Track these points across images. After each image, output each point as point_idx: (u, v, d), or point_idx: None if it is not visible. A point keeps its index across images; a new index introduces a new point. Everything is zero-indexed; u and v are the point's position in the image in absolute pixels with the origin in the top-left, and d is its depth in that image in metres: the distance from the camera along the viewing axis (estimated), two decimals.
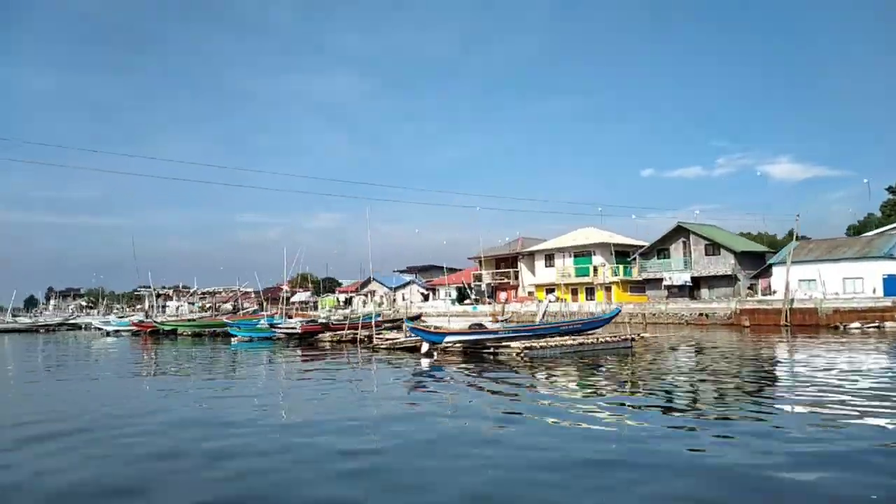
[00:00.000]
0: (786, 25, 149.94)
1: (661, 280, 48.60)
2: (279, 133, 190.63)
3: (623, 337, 22.26)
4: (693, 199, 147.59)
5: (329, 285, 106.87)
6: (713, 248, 46.10)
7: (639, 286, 52.59)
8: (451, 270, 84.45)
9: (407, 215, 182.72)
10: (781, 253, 43.21)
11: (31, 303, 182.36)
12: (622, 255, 54.66)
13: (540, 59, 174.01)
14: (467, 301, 64.09)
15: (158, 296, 58.74)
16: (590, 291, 53.79)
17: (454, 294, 67.49)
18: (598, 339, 22.07)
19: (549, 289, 56.82)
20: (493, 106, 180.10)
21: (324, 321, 32.54)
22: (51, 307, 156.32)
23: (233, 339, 36.01)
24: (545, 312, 48.84)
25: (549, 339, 21.53)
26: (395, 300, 76.70)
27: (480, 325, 24.60)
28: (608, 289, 52.35)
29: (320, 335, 30.58)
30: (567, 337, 22.27)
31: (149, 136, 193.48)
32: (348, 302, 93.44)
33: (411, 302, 69.13)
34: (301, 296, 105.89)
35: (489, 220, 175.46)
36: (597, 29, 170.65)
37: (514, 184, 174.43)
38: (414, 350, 23.74)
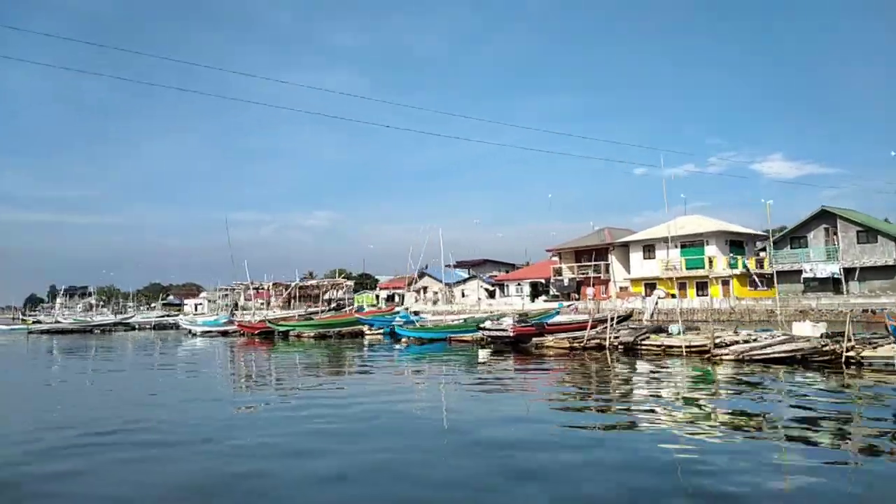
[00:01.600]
0: (779, 24, 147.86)
1: (796, 272, 42.82)
2: (273, 130, 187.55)
3: None
4: (687, 196, 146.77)
5: (366, 282, 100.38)
6: (867, 234, 40.35)
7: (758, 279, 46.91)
8: (512, 266, 78.56)
9: (399, 214, 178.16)
10: None
11: (32, 301, 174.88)
12: (735, 245, 49.00)
13: (533, 59, 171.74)
14: (542, 298, 58.17)
15: (255, 289, 51.71)
16: (700, 286, 47.93)
17: (526, 290, 61.53)
18: None
19: (649, 283, 51.05)
20: (486, 105, 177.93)
21: (537, 321, 24.96)
22: (57, 305, 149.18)
23: (366, 339, 30.12)
24: (655, 310, 42.97)
25: None
26: (453, 297, 70.68)
27: None
28: (725, 283, 46.51)
29: (537, 339, 22.63)
30: None
31: (141, 134, 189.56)
32: (391, 299, 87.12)
33: (479, 299, 63.24)
34: (336, 293, 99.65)
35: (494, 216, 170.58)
36: (589, 28, 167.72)
37: (508, 181, 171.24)
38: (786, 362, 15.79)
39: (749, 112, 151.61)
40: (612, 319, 21.97)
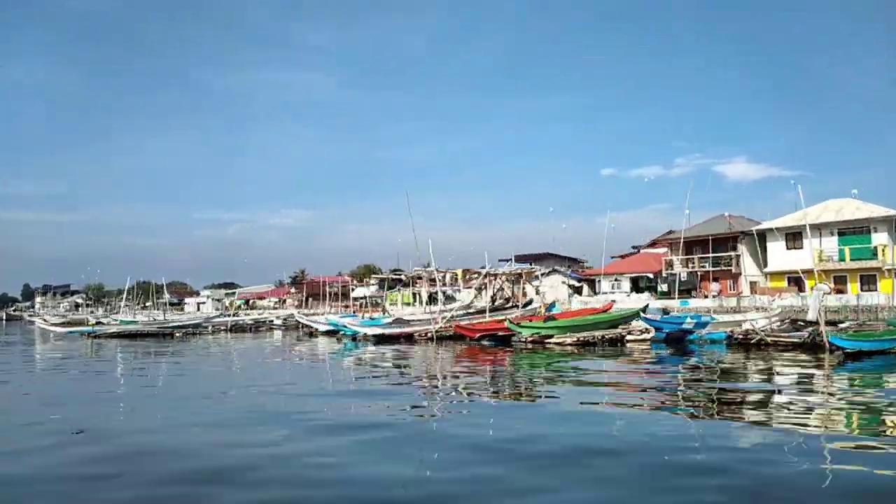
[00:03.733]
0: (747, 29, 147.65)
1: None
2: (249, 128, 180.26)
3: None
4: (651, 197, 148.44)
5: (393, 280, 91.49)
6: None
7: None
8: (574, 262, 71.06)
9: (378, 214, 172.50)
10: None
11: (4, 301, 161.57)
12: None
13: (505, 62, 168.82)
14: (647, 295, 50.70)
15: (437, 281, 42.11)
16: (865, 279, 41.01)
17: (625, 286, 54.04)
18: None
19: (793, 277, 43.95)
20: (461, 106, 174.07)
21: None
22: (37, 304, 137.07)
23: (629, 347, 21.83)
24: (821, 307, 35.56)
25: None
26: (524, 293, 62.76)
27: None
28: None
29: None
30: None
31: (117, 132, 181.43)
32: (433, 299, 78.49)
33: (571, 296, 55.50)
34: (363, 290, 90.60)
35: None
36: (562, 30, 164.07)
37: (481, 182, 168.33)
38: None
39: (716, 114, 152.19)
40: None
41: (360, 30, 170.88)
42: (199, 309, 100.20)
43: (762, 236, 46.38)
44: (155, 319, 46.17)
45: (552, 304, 36.83)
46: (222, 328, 42.17)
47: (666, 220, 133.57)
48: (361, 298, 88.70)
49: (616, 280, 54.95)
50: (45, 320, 51.15)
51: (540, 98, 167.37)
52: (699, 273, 48.42)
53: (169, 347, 29.04)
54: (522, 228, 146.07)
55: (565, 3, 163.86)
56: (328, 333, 36.89)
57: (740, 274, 46.67)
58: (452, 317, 31.16)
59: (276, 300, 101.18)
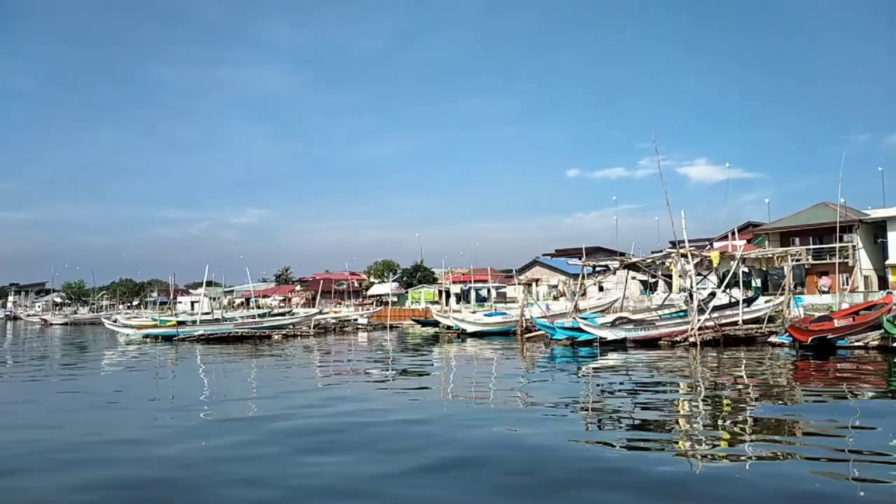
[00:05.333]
0: (709, 31, 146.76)
1: None
2: (203, 125, 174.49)
3: None
4: (617, 198, 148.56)
5: (422, 276, 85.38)
6: None
7: None
8: (622, 255, 65.98)
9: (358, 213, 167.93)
10: None
11: None
12: None
13: (467, 60, 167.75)
14: (734, 290, 45.84)
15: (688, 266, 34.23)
16: None
17: (710, 281, 49.02)
18: None
19: None
20: (421, 104, 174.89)
21: None
22: (10, 304, 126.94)
23: None
24: None
25: None
26: (585, 292, 57.44)
27: None
28: None
29: None
30: None
31: (64, 126, 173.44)
32: (464, 296, 72.47)
33: (647, 292, 50.37)
34: (382, 288, 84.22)
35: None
36: (525, 29, 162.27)
37: (441, 183, 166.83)
38: None
39: (678, 117, 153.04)
40: None
41: (324, 27, 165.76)
42: (192, 308, 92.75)
43: (879, 226, 42.07)
44: (245, 320, 39.41)
45: (797, 297, 31.09)
46: (307, 329, 35.93)
47: (637, 220, 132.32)
48: (376, 296, 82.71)
49: (700, 276, 49.90)
50: (117, 321, 43.55)
51: (496, 97, 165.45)
52: (806, 266, 43.76)
53: (309, 352, 22.74)
54: (489, 229, 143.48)
55: (516, 7, 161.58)
56: (476, 335, 31.60)
57: (855, 266, 42.01)
58: (714, 311, 25.39)
59: (282, 298, 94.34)
